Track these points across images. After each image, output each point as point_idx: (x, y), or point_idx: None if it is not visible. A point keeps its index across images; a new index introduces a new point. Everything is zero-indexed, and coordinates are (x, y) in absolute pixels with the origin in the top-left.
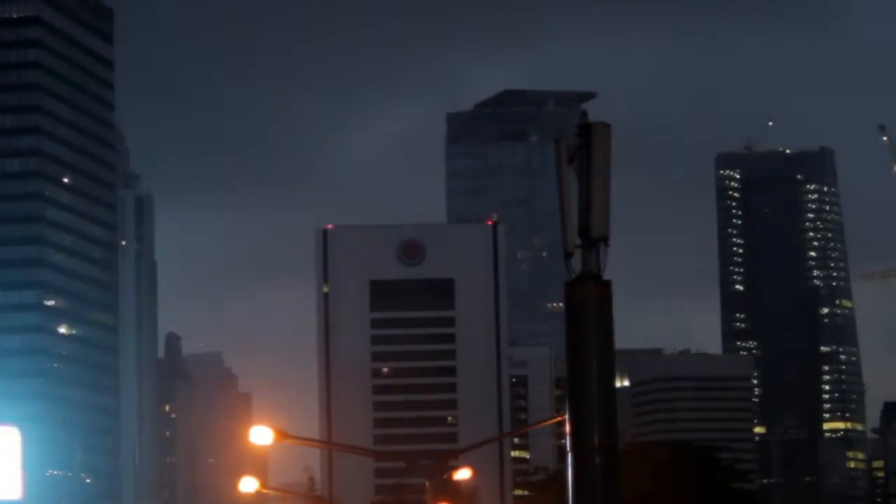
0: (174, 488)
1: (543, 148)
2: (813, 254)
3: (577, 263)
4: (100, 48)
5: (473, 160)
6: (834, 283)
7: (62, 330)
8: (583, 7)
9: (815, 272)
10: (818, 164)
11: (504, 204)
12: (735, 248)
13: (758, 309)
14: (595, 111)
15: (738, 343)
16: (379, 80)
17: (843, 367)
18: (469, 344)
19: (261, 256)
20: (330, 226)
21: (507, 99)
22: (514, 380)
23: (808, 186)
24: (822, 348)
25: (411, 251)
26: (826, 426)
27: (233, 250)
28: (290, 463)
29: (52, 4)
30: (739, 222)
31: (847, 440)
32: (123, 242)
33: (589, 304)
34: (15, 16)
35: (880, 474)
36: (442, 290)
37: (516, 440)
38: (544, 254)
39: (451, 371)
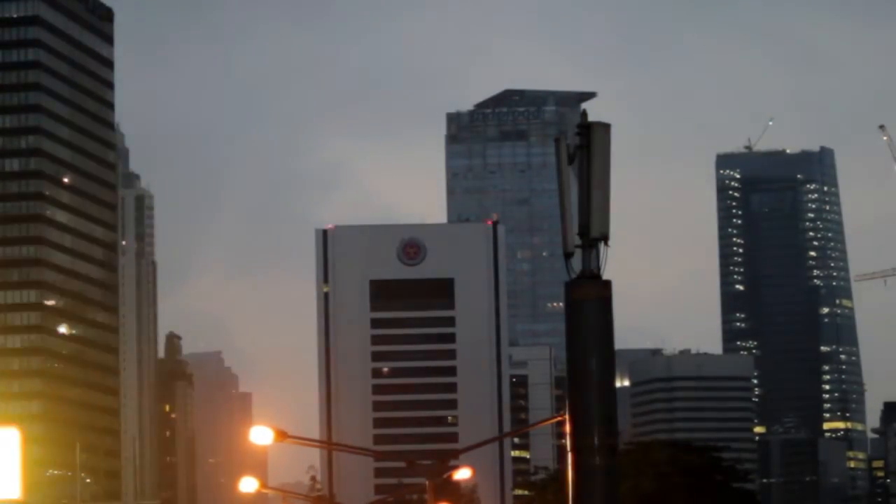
0: (174, 488)
1: (543, 148)
2: (813, 254)
3: (577, 263)
4: (100, 48)
5: (473, 160)
6: (834, 283)
7: (62, 330)
8: (583, 6)
9: (815, 272)
10: (818, 164)
11: (504, 204)
12: (735, 248)
13: (758, 309)
14: (595, 111)
15: (738, 343)
16: (379, 79)
17: (843, 367)
18: (469, 344)
19: (261, 256)
20: (330, 226)
21: (507, 99)
22: (514, 380)
23: (808, 186)
24: (822, 348)
25: (411, 251)
26: (826, 426)
27: (233, 249)
28: (291, 463)
29: (52, 4)
30: (739, 222)
31: (847, 440)
32: (123, 242)
33: (589, 304)
34: (15, 16)
35: (880, 474)
36: (442, 290)
37: (516, 440)
38: (544, 254)
39: (451, 371)
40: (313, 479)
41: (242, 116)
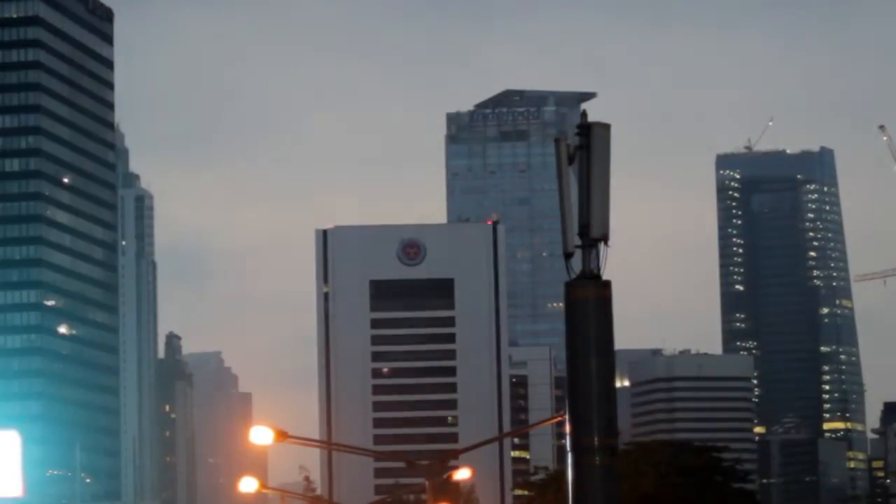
0: (174, 488)
1: (543, 148)
2: (813, 254)
3: (577, 263)
4: (100, 48)
5: (473, 160)
6: (834, 283)
7: (62, 330)
8: (583, 6)
9: (815, 272)
10: (818, 164)
11: (504, 204)
12: (735, 248)
13: (758, 309)
14: (595, 111)
15: (738, 343)
16: (378, 79)
17: (843, 367)
18: (469, 344)
19: (261, 256)
20: (330, 226)
21: (507, 99)
22: (514, 380)
23: (808, 186)
24: (822, 348)
25: (411, 251)
26: (826, 426)
27: (233, 249)
28: (290, 463)
29: (52, 4)
30: (739, 222)
31: (847, 440)
32: (123, 242)
33: (589, 304)
34: (15, 16)
35: (880, 474)
36: (442, 290)
37: (516, 440)
38: (544, 254)
39: (451, 371)
40: (306, 479)
41: (242, 115)
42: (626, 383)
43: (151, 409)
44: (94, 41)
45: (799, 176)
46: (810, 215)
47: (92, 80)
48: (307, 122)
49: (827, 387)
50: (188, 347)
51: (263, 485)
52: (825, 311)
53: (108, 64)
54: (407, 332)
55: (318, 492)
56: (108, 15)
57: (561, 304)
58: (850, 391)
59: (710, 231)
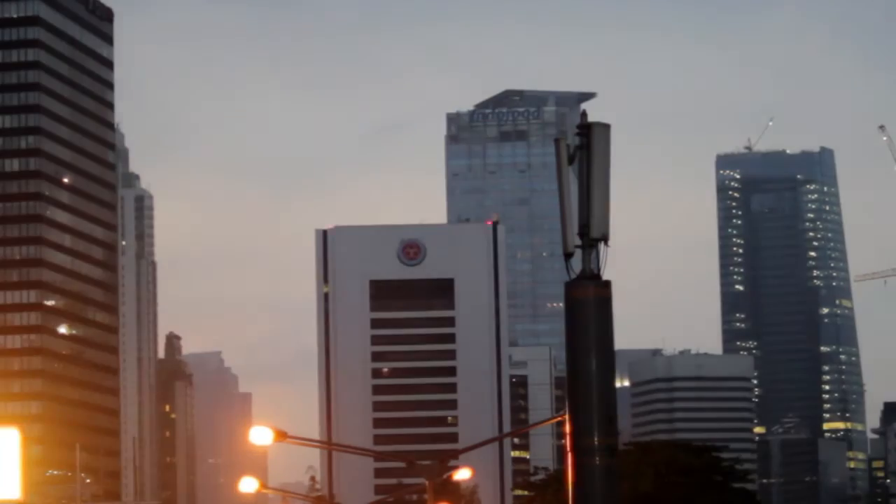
0: (174, 488)
1: (543, 148)
2: (813, 254)
3: (577, 263)
4: (100, 48)
5: (473, 160)
6: (834, 283)
7: (62, 330)
8: (583, 7)
9: (815, 272)
10: (818, 164)
11: (504, 204)
12: (735, 248)
13: (758, 309)
14: (595, 111)
15: (738, 343)
16: (378, 79)
17: (843, 367)
18: (469, 344)
19: (261, 256)
20: (330, 226)
21: (507, 99)
22: (514, 380)
23: (808, 186)
24: (822, 348)
25: (411, 251)
26: (826, 426)
27: (233, 249)
28: (290, 463)
29: (52, 4)
30: (739, 222)
31: (847, 440)
32: (123, 242)
33: (589, 304)
34: (15, 16)
35: (880, 474)
36: (442, 290)
37: (516, 440)
38: (544, 254)
39: (451, 371)
40: (312, 479)
41: (242, 115)
42: (626, 383)
43: (151, 409)
44: (94, 41)
45: (799, 176)
46: (810, 215)
47: (92, 80)
48: (307, 122)
49: (827, 387)
50: (188, 347)
51: (263, 485)
52: (825, 311)
53: (108, 64)
54: (407, 332)
55: (323, 492)
56: (108, 15)
57: (561, 304)
58: (850, 391)
59: (710, 231)
